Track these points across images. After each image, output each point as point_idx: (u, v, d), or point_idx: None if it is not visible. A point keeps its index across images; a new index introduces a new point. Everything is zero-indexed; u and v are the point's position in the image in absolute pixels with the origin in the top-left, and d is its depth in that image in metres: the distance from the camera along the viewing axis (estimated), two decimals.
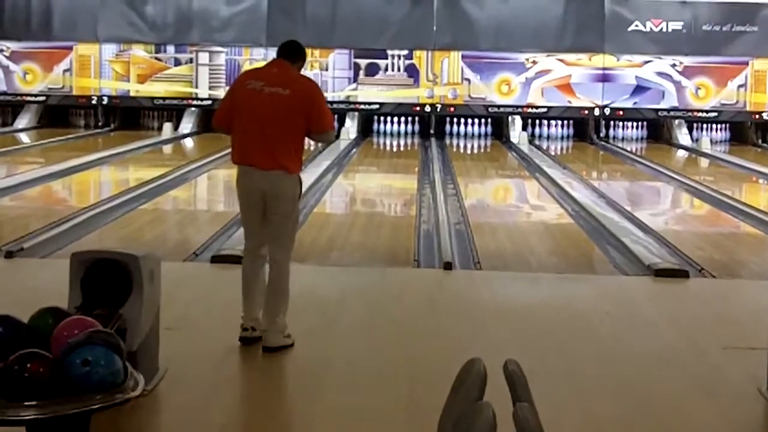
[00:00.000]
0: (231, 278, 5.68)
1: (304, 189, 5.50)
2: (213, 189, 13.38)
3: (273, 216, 5.09)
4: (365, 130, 19.48)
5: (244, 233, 5.40)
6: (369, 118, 19.70)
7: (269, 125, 5.03)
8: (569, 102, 19.34)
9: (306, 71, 19.31)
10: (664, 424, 4.38)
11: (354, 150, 17.10)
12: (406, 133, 19.57)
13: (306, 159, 14.63)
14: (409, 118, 19.64)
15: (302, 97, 5.07)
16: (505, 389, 2.48)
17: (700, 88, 19.26)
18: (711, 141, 18.99)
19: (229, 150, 5.36)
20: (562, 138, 19.60)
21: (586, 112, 19.34)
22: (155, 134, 18.87)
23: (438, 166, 14.48)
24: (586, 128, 19.51)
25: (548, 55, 19.22)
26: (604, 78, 19.32)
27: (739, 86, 19.25)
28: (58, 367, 3.25)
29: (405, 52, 19.32)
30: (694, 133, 19.46)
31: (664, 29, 19.22)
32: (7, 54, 19.73)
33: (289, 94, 5.04)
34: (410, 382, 4.74)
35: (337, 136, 18.47)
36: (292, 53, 5.25)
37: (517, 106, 19.29)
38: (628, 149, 18.29)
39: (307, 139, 5.17)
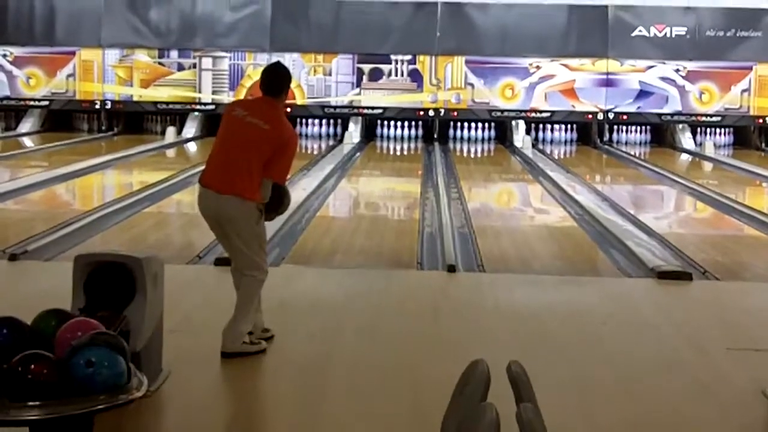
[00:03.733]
0: None
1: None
2: None
3: (233, 238, 5.09)
4: (369, 135, 19.49)
5: None
6: (372, 122, 19.71)
7: (238, 150, 5.03)
8: (573, 106, 19.34)
9: (309, 76, 19.53)
10: (668, 427, 4.38)
11: (357, 154, 17.11)
12: (409, 137, 19.58)
13: (309, 163, 14.79)
14: (413, 123, 19.66)
15: (278, 138, 5.04)
16: (508, 391, 2.48)
17: (703, 93, 19.25)
18: (714, 145, 18.97)
19: None
20: (566, 142, 19.60)
21: (590, 116, 19.34)
22: (158, 138, 18.91)
23: (441, 169, 14.48)
24: (589, 132, 19.51)
25: (552, 60, 19.23)
26: (608, 83, 19.31)
27: (743, 91, 19.24)
28: (62, 368, 3.25)
29: (408, 57, 19.33)
30: (698, 137, 19.49)
31: (668, 34, 19.22)
32: (10, 59, 19.76)
33: (268, 129, 5.04)
34: (414, 385, 4.74)
35: (341, 140, 18.52)
36: (278, 88, 5.19)
37: (521, 111, 19.30)
38: (632, 153, 18.28)
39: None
